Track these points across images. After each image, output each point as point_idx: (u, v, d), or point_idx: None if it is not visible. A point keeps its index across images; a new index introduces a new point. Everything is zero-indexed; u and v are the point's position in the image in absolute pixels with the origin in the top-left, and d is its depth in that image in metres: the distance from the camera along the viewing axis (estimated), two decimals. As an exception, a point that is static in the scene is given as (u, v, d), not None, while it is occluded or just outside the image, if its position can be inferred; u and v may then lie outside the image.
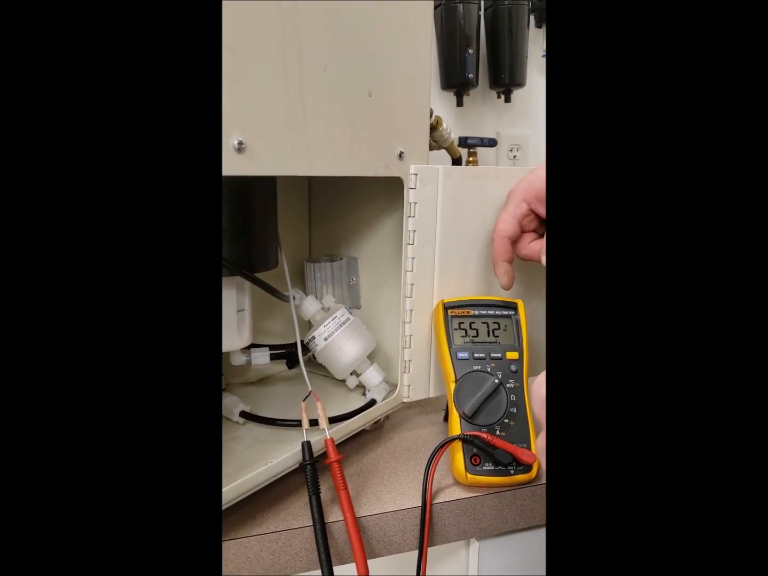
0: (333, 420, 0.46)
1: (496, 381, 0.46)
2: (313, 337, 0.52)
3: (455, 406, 0.46)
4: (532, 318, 0.52)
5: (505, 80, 0.84)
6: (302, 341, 0.51)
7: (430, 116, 0.53)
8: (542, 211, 0.48)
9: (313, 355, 0.54)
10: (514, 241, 0.50)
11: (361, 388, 0.55)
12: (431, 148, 0.58)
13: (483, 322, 0.50)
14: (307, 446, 0.41)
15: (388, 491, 0.45)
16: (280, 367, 0.59)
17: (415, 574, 0.42)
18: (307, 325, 0.56)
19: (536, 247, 0.49)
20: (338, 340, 0.51)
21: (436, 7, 0.79)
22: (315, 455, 0.42)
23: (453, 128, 0.63)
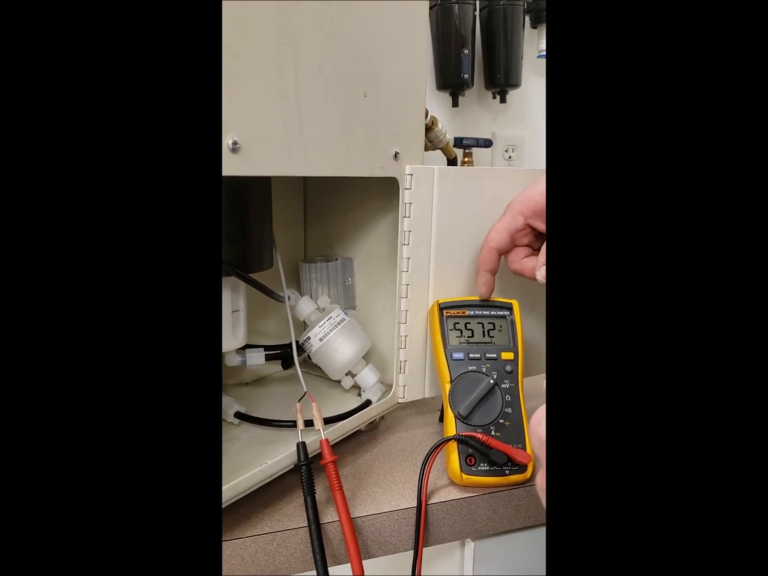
0: (328, 420, 0.46)
1: (492, 381, 0.46)
2: (309, 338, 0.52)
3: (450, 406, 0.46)
4: (526, 319, 0.52)
5: (501, 81, 0.84)
6: (297, 342, 0.51)
7: (426, 117, 0.53)
8: (539, 225, 0.47)
9: (309, 356, 0.54)
10: (505, 253, 0.49)
11: (357, 388, 0.55)
12: (426, 149, 0.58)
13: (478, 323, 0.50)
14: (302, 447, 0.41)
15: (384, 492, 0.45)
16: (275, 367, 0.59)
17: (410, 574, 0.42)
18: (302, 326, 0.55)
19: (529, 264, 0.48)
20: (333, 340, 0.51)
21: (431, 8, 0.79)
22: (310, 456, 0.42)
23: (448, 129, 0.63)
